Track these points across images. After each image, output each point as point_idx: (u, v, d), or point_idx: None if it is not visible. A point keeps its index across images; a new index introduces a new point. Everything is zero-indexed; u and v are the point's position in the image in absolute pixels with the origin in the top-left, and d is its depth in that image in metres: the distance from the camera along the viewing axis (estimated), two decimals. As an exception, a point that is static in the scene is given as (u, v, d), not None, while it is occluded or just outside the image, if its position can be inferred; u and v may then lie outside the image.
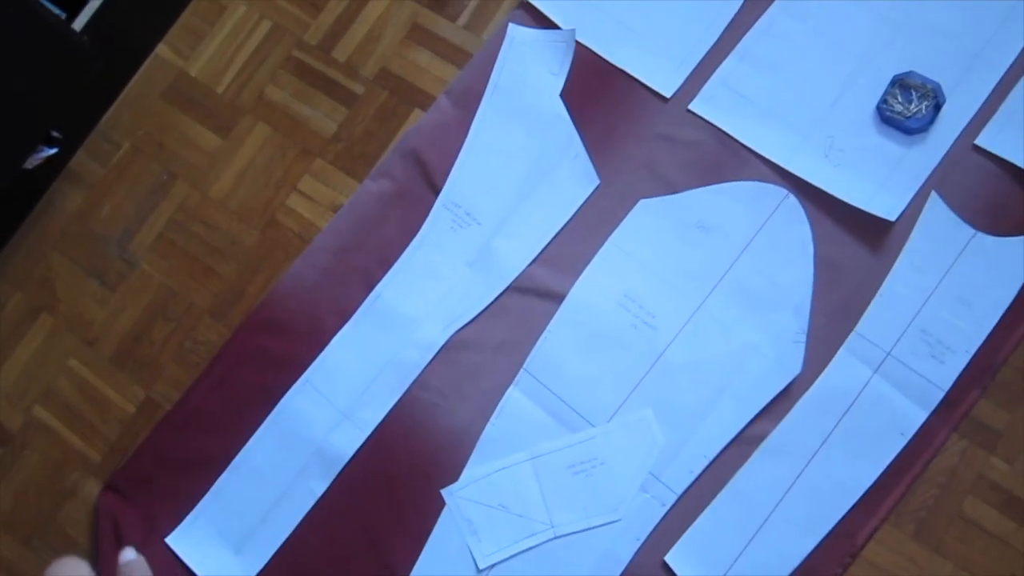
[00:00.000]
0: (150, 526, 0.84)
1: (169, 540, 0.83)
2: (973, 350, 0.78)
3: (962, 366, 0.78)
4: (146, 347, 0.88)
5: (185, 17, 0.95)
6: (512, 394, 0.81)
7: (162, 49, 0.95)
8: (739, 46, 0.86)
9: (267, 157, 0.90)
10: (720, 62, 0.86)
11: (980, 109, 0.83)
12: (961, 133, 0.82)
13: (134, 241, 0.90)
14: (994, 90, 0.83)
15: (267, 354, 0.85)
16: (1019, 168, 0.81)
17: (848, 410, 0.78)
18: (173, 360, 0.87)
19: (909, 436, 0.77)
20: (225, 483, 0.83)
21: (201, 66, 0.94)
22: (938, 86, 0.82)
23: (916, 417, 0.77)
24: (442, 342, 0.82)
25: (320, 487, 0.81)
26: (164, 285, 0.89)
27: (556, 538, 0.77)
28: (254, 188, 0.89)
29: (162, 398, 0.86)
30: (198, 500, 0.83)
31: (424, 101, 0.88)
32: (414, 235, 0.85)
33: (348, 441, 0.82)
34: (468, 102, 0.88)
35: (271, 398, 0.84)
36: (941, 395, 0.78)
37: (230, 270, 0.88)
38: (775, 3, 0.86)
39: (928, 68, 0.83)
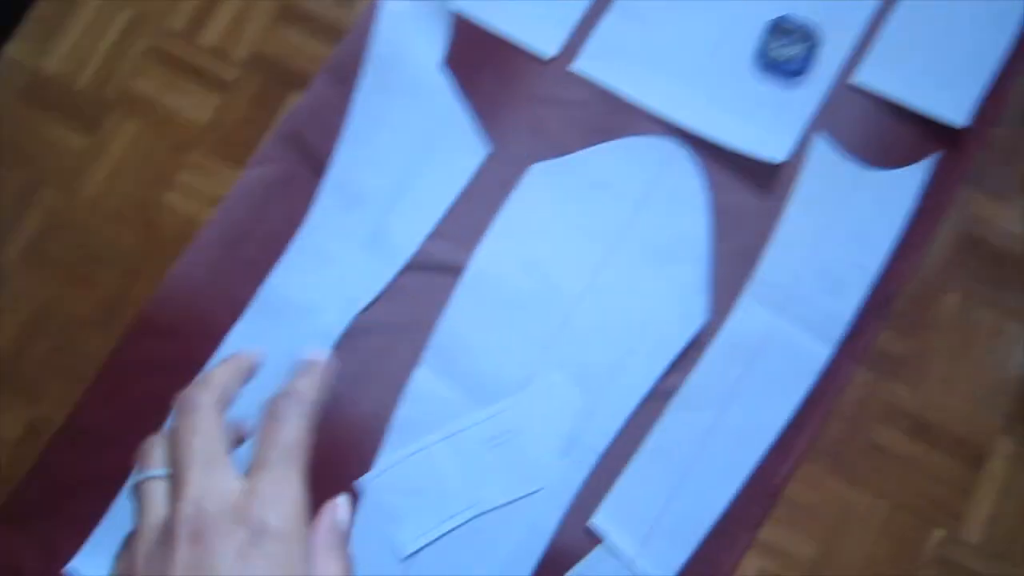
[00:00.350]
0: (50, 555, 0.78)
1: (71, 568, 0.78)
2: (870, 283, 0.79)
3: (861, 300, 0.79)
4: (27, 366, 0.82)
5: (35, 12, 0.89)
6: (419, 374, 0.79)
7: (12, 49, 0.89)
8: (617, 1, 0.85)
9: (139, 153, 0.85)
10: (600, 19, 0.85)
11: (856, 47, 0.84)
12: (840, 72, 0.84)
13: (2, 256, 0.84)
14: (868, 28, 0.84)
15: (157, 360, 0.80)
16: (896, 102, 0.82)
17: (755, 354, 0.78)
18: (57, 377, 0.82)
19: (816, 373, 0.78)
20: (125, 501, 0.78)
21: (58, 63, 0.88)
22: (814, 27, 0.83)
23: (821, 354, 0.78)
24: (342, 329, 0.79)
25: (228, 492, 0.77)
26: (40, 298, 0.83)
27: (479, 515, 0.76)
28: (128, 187, 0.84)
29: (49, 419, 0.81)
30: (99, 521, 0.78)
31: (301, 82, 0.85)
32: (303, 221, 0.82)
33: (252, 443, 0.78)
34: (347, 79, 0.85)
35: (166, 405, 0.79)
36: (843, 330, 0.79)
37: (110, 276, 0.83)
38: (649, -44, 0.85)
39: (804, 10, 0.84)
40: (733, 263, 0.79)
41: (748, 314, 0.79)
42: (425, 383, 0.78)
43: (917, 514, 0.76)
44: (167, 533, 0.38)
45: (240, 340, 0.80)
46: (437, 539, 0.75)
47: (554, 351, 0.78)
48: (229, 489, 0.39)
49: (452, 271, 0.80)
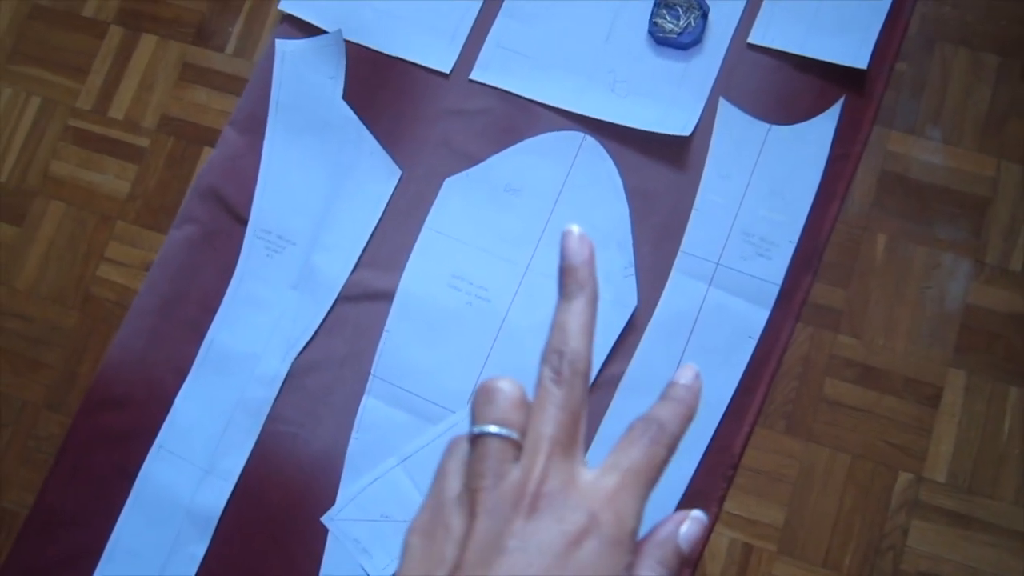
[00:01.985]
0: (38, 640, 0.79)
1: (60, 648, 0.78)
2: (795, 239, 0.79)
3: (789, 257, 0.79)
4: (-12, 459, 0.84)
5: (-50, 115, 0.91)
6: (367, 403, 0.79)
7: (-67, 153, 0.91)
8: (504, 5, 0.86)
9: (67, 234, 0.86)
10: (490, 26, 0.85)
11: (745, 9, 0.84)
12: (734, 36, 0.84)
13: (-50, 355, 0.86)
14: (753, -13, 0.84)
15: (113, 431, 0.82)
16: (795, 55, 0.82)
17: (693, 328, 0.78)
18: (20, 464, 0.83)
19: (757, 337, 0.78)
20: (103, 574, 0.79)
21: (-22, 160, 0.90)
22: (700, -3, 0.83)
23: (759, 317, 0.78)
24: (285, 371, 0.80)
25: (200, 550, 0.78)
26: (-7, 391, 0.85)
27: (445, 533, 0.75)
28: (61, 268, 0.85)
29: (18, 506, 0.82)
30: (80, 600, 0.79)
31: (212, 138, 0.86)
32: (232, 273, 0.83)
33: (216, 495, 0.79)
34: (254, 127, 0.86)
35: (128, 474, 0.81)
36: (776, 289, 0.78)
37: (56, 357, 0.84)
38: (529, -44, 0.86)
39: (687, -18, 0.84)
40: (658, 242, 0.79)
41: (680, 290, 0.79)
42: (374, 410, 0.79)
43: (880, 461, 0.76)
44: (512, 496, 0.37)
45: (188, 399, 0.81)
46: (408, 563, 0.75)
47: (494, 359, 0.78)
48: (576, 476, 0.38)
49: (383, 297, 0.81)
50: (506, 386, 0.42)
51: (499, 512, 0.38)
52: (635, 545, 0.38)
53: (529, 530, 0.37)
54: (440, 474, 0.42)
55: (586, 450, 0.70)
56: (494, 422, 0.40)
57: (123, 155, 0.86)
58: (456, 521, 0.39)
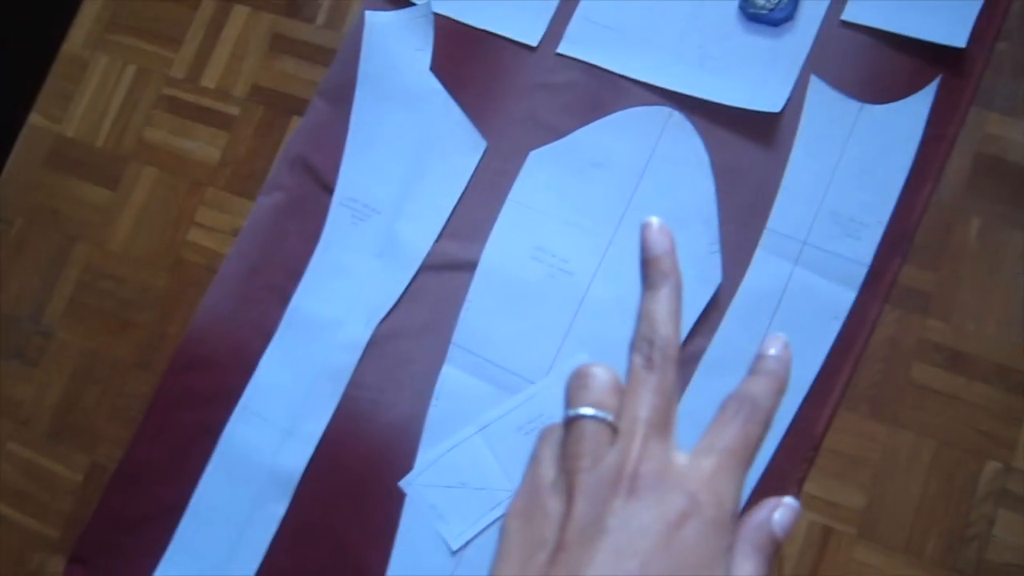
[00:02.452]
0: (122, 590, 0.82)
1: (143, 600, 0.81)
2: (885, 220, 0.78)
3: (878, 238, 0.78)
4: (80, 414, 0.86)
5: (50, 81, 0.94)
6: (447, 372, 0.80)
7: (34, 118, 0.94)
8: (593, -20, 0.85)
9: (159, 198, 0.88)
10: (578, 1, 0.85)
11: (839, -15, 0.83)
12: (827, 12, 0.82)
13: (46, 313, 0.89)
14: (849, -36, 0.83)
15: (199, 392, 0.84)
16: (890, 33, 0.80)
17: (778, 307, 0.77)
18: (110, 420, 0.85)
19: (843, 318, 0.77)
20: (186, 529, 0.82)
21: (76, 125, 0.93)
22: (793, -28, 0.82)
23: (846, 298, 0.77)
24: (367, 338, 0.81)
25: (280, 509, 0.80)
26: (85, 348, 0.88)
27: (521, 502, 0.76)
28: (153, 232, 0.88)
29: (108, 460, 0.85)
30: (163, 553, 0.82)
31: (300, 107, 0.88)
32: (318, 240, 0.84)
33: (297, 457, 0.81)
34: (342, 98, 0.87)
35: (213, 434, 0.83)
36: (865, 271, 0.77)
37: (147, 318, 0.86)
38: (619, -69, 0.86)
39: (780, -42, 0.83)
40: (743, 219, 0.79)
41: (765, 268, 0.78)
42: (454, 379, 0.80)
43: (966, 449, 0.74)
44: (611, 478, 0.38)
45: (272, 363, 0.83)
46: (483, 530, 0.76)
47: (575, 332, 0.78)
48: (672, 458, 0.39)
49: (466, 267, 0.81)
50: (600, 371, 0.42)
51: (598, 494, 0.38)
52: (735, 527, 0.38)
53: (629, 511, 0.37)
54: (534, 461, 0.42)
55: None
56: (590, 404, 0.40)
57: (214, 123, 0.88)
58: (554, 504, 0.39)
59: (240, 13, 0.91)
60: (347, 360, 0.81)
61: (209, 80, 0.90)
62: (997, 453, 0.74)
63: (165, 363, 0.85)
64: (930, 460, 0.75)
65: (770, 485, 0.74)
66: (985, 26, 0.79)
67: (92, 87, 0.93)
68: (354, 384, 0.81)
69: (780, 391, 0.43)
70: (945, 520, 0.74)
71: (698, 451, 0.40)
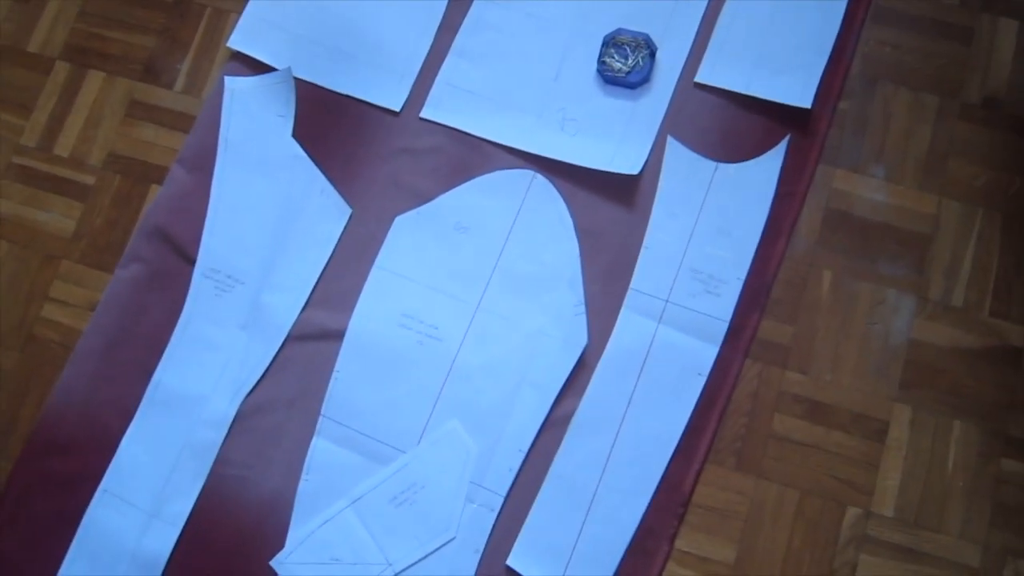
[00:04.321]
0: None
1: None
2: (743, 276, 0.80)
3: (737, 294, 0.80)
4: (-75, 506, 0.81)
5: None
6: (317, 444, 0.78)
7: None
8: (454, 45, 0.86)
9: (10, 273, 0.84)
10: (440, 64, 0.86)
11: (692, 49, 0.85)
12: (680, 75, 0.85)
13: None
14: (700, 29, 0.86)
15: (57, 476, 0.80)
16: (741, 95, 0.83)
17: (643, 365, 0.79)
18: (-41, 511, 0.80)
19: (707, 373, 0.78)
20: (45, 624, 0.77)
21: (-82, 198, 0.88)
22: (648, 37, 0.84)
23: (708, 354, 0.79)
24: (233, 413, 0.79)
25: (145, 597, 0.76)
26: (-70, 436, 0.82)
27: (397, 575, 0.75)
28: (3, 308, 0.84)
29: (-44, 554, 0.79)
30: (21, 651, 0.77)
31: (159, 175, 0.85)
32: (180, 313, 0.82)
33: (162, 540, 0.77)
34: (203, 165, 0.85)
35: (72, 521, 0.79)
36: (725, 327, 0.79)
37: (-2, 400, 0.82)
38: (479, -4, 0.87)
39: (635, 22, 0.85)
40: (607, 280, 0.80)
41: (630, 327, 0.79)
42: (324, 452, 0.78)
43: (828, 497, 0.76)
44: None
45: (134, 443, 0.80)
46: (358, 607, 0.75)
47: (445, 398, 0.78)
48: None
49: (333, 336, 0.80)
50: None
51: None
52: None
53: None
54: None
55: (537, 491, 0.70)
56: None
57: (69, 193, 0.85)
58: None
59: (95, 78, 0.88)
60: (213, 437, 0.79)
61: (63, 148, 0.87)
62: (856, 499, 0.77)
63: (18, 448, 0.81)
64: (795, 510, 0.77)
65: (642, 544, 0.75)
66: (828, 87, 0.83)
67: (-64, 157, 0.88)
68: (221, 461, 0.78)
69: None
70: (811, 568, 0.76)
71: None
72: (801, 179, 0.82)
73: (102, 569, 0.78)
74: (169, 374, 0.81)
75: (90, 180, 0.86)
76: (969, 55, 0.85)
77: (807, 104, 0.82)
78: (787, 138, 0.82)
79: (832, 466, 0.77)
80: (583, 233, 0.81)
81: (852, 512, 0.76)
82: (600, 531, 0.75)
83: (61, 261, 0.85)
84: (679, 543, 0.76)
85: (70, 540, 0.79)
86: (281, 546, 0.77)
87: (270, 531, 0.77)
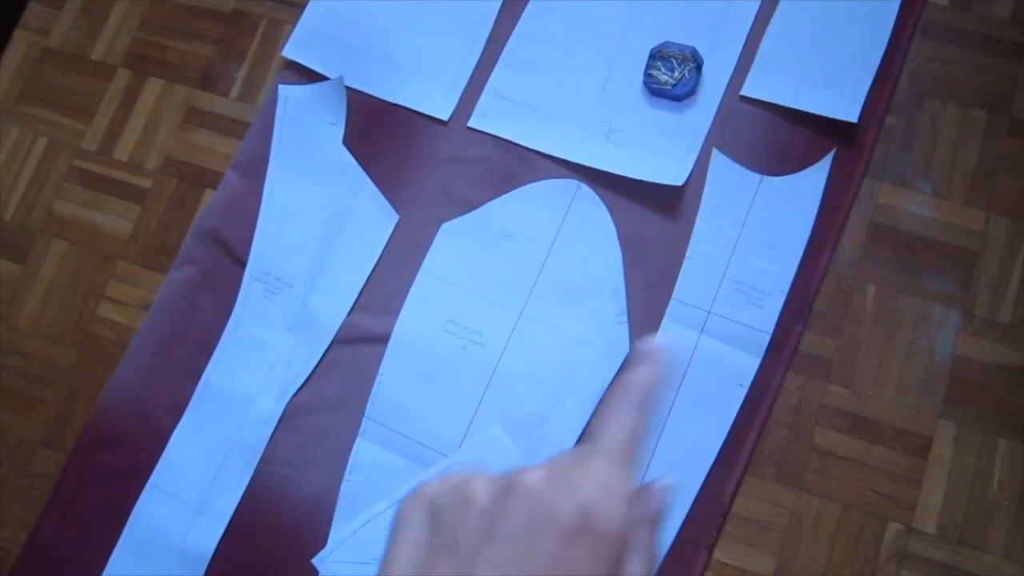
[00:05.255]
0: None
1: None
2: (786, 288, 0.80)
3: (780, 306, 0.80)
4: (-17, 495, 0.84)
5: (-42, 154, 0.93)
6: (360, 446, 0.80)
7: (-60, 191, 0.92)
8: (503, 56, 0.87)
9: (68, 272, 0.87)
10: (489, 75, 0.87)
11: (738, 62, 0.86)
12: (727, 88, 0.85)
13: (-51, 391, 0.87)
14: (746, 42, 0.86)
15: (108, 470, 0.82)
16: (786, 108, 0.84)
17: (684, 376, 0.79)
18: (15, 501, 0.83)
19: (748, 385, 0.78)
20: (94, 613, 0.79)
21: (-16, 199, 0.91)
22: (694, 50, 0.85)
23: (750, 365, 0.79)
24: (279, 413, 0.81)
25: (190, 591, 0.78)
26: (-10, 428, 0.85)
27: (435, 577, 0.76)
28: (62, 306, 0.87)
29: (11, 543, 0.82)
30: (70, 639, 0.79)
31: (214, 180, 0.88)
32: (230, 314, 0.84)
33: (208, 536, 0.79)
34: (256, 171, 0.87)
35: (122, 514, 0.81)
36: (767, 338, 0.79)
37: (54, 395, 0.85)
38: (528, 7, 0.88)
39: (682, 35, 0.86)
40: (650, 290, 0.80)
41: (672, 337, 0.79)
42: (367, 453, 0.79)
43: (870, 512, 0.76)
44: (506, 485, 0.37)
45: (183, 439, 0.82)
46: (397, 607, 0.76)
47: (487, 404, 0.79)
48: (559, 464, 0.37)
49: (378, 340, 0.82)
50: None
51: (495, 502, 0.37)
52: (625, 530, 0.37)
53: (521, 518, 0.36)
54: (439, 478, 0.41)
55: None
56: None
57: (126, 196, 0.88)
58: (454, 505, 0.38)
59: (154, 86, 0.91)
60: (259, 435, 0.81)
61: (121, 153, 0.90)
62: (898, 515, 0.76)
63: (72, 441, 0.83)
64: (835, 524, 0.76)
65: (680, 554, 0.75)
66: (875, 101, 0.83)
67: (1, 159, 0.92)
68: (266, 459, 0.80)
69: (660, 378, 0.41)
70: (851, 583, 0.76)
71: (585, 453, 0.39)
72: (846, 193, 0.82)
73: (149, 562, 0.80)
74: (218, 373, 0.83)
75: (147, 184, 0.89)
76: (1019, 71, 0.85)
77: (853, 118, 0.82)
78: (833, 152, 0.82)
79: (874, 481, 0.77)
80: (626, 243, 0.82)
81: (893, 528, 0.76)
82: (638, 539, 0.75)
83: (117, 262, 0.87)
84: (718, 554, 0.76)
85: (119, 533, 0.81)
86: (323, 545, 0.78)
87: (312, 529, 0.79)
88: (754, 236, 0.81)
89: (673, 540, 0.75)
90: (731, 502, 0.77)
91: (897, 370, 0.77)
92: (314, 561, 0.77)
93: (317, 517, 0.79)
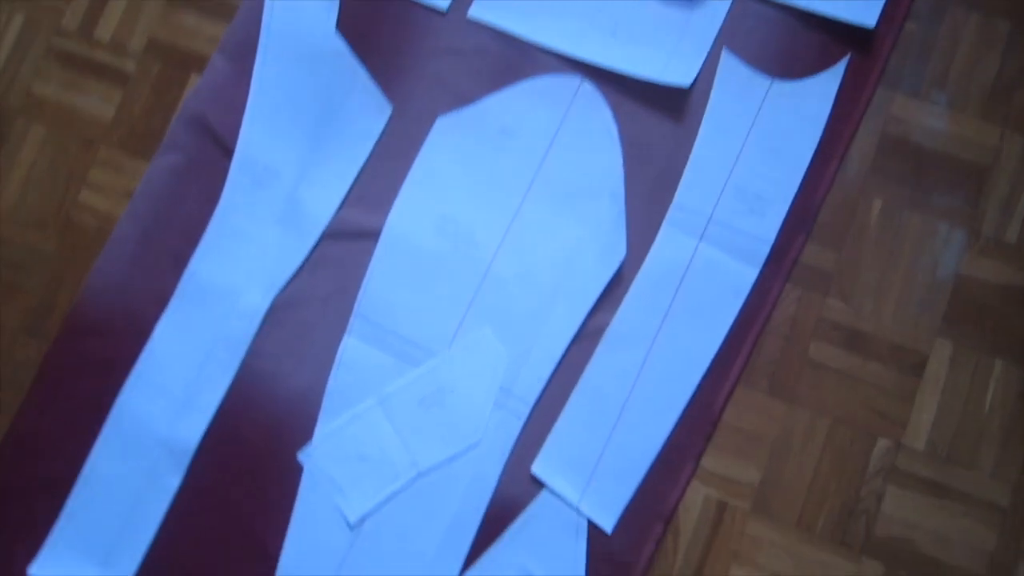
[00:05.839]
0: (9, 561, 0.79)
1: (32, 570, 0.78)
2: (790, 197, 0.78)
3: (783, 216, 0.78)
4: (-36, 381, 0.83)
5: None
6: (348, 342, 0.78)
7: (-87, 66, 0.88)
8: (507, -58, 0.83)
9: (49, 157, 0.84)
10: (491, -38, 0.83)
11: (755, -42, 0.82)
12: (741, -14, 0.81)
13: (-73, 274, 0.84)
14: (764, -64, 0.82)
15: (91, 359, 0.81)
16: (801, 10, 0.80)
17: (681, 283, 0.77)
18: (-5, 389, 0.82)
19: (745, 295, 0.77)
20: (77, 500, 0.79)
21: (-41, 77, 0.87)
22: (709, -57, 0.80)
23: (748, 275, 0.77)
24: (266, 307, 0.79)
25: (175, 481, 0.78)
26: (-31, 313, 0.83)
27: (421, 475, 0.75)
28: (42, 192, 0.84)
29: (-7, 429, 0.81)
30: (54, 523, 0.79)
31: (200, 64, 0.84)
32: (216, 204, 0.81)
33: (193, 428, 0.78)
34: (244, 55, 0.83)
35: (105, 404, 0.80)
36: (768, 248, 0.77)
37: (35, 282, 0.83)
38: None
39: (697, -73, 0.81)
40: (650, 194, 0.78)
41: (670, 243, 0.77)
42: (354, 350, 0.78)
43: (860, 427, 0.75)
44: None
45: (167, 331, 0.80)
46: (382, 503, 0.75)
47: (478, 304, 0.77)
48: None
49: (369, 236, 0.79)
50: None
51: None
52: None
53: None
54: None
55: (565, 402, 0.70)
56: None
57: (108, 78, 0.84)
58: None
59: (138, -39, 0.86)
60: (245, 329, 0.79)
61: (103, 32, 0.86)
62: (889, 431, 0.76)
63: (55, 329, 0.82)
64: (824, 438, 0.76)
65: (668, 459, 0.75)
66: (894, 7, 0.79)
67: (-23, 35, 0.88)
68: (252, 354, 0.79)
69: None
70: (836, 496, 0.75)
71: None
72: (858, 101, 0.79)
73: (133, 454, 0.79)
74: (204, 265, 0.81)
75: (130, 66, 0.85)
76: (1048, -22, 0.81)
77: (871, 23, 0.78)
78: (847, 58, 0.79)
79: (866, 396, 0.76)
80: (628, 144, 0.79)
81: (882, 443, 0.75)
82: (626, 445, 0.75)
83: (99, 146, 0.84)
84: (705, 462, 0.76)
85: (103, 422, 0.80)
86: (308, 439, 0.77)
87: (298, 425, 0.78)
88: (761, 142, 0.79)
89: (661, 447, 0.75)
90: (721, 412, 0.76)
91: (898, 286, 0.76)
92: (300, 456, 0.77)
93: (303, 412, 0.78)
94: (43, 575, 0.79)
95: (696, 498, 0.75)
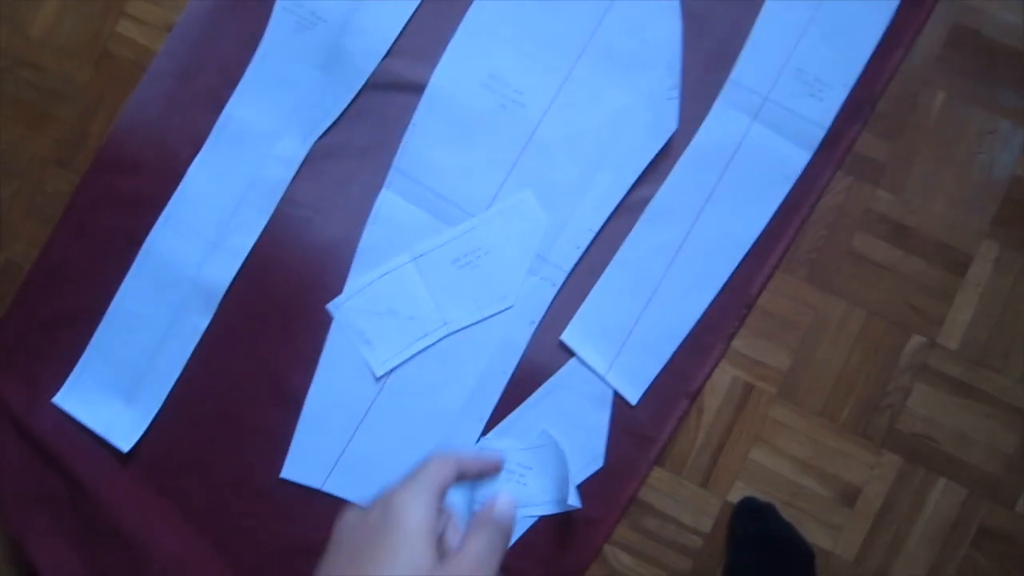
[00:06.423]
0: (34, 390, 0.80)
1: (56, 400, 0.79)
2: (851, 83, 0.75)
3: (841, 101, 0.75)
4: (-5, 207, 0.82)
5: None
6: (385, 196, 0.77)
7: None
8: None
9: (87, -17, 0.81)
10: None
11: None
12: None
13: (-42, 97, 0.83)
14: None
15: (123, 194, 0.79)
16: None
17: (730, 161, 0.75)
18: (26, 217, 0.81)
19: (794, 179, 0.75)
20: (104, 333, 0.79)
21: None
22: None
23: (799, 159, 0.75)
24: (304, 153, 0.77)
25: (203, 322, 0.78)
26: (2, 142, 0.82)
27: (450, 335, 0.75)
28: (78, 19, 0.81)
29: (22, 258, 0.81)
30: (79, 356, 0.79)
31: None
32: (257, 45, 0.79)
33: (223, 270, 0.78)
34: None
35: (135, 239, 0.79)
36: (822, 133, 0.75)
37: (69, 112, 0.81)
38: None
39: None
40: (707, 67, 0.75)
41: (722, 120, 0.75)
42: (391, 204, 0.77)
43: (895, 321, 0.75)
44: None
45: (202, 170, 0.79)
46: (410, 359, 0.75)
47: (521, 167, 0.76)
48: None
49: (414, 89, 0.77)
50: None
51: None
52: None
53: None
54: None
55: (601, 273, 0.69)
56: None
57: (151, -98, 0.80)
58: None
59: None
60: (281, 174, 0.78)
61: None
62: (924, 328, 0.75)
63: (87, 162, 0.80)
64: (859, 329, 0.75)
65: (699, 338, 0.74)
66: None
67: None
68: (287, 200, 0.78)
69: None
70: (863, 388, 0.75)
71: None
72: (933, -14, 0.75)
73: (162, 289, 0.79)
74: (242, 107, 0.79)
75: None
76: None
77: (957, -97, 0.74)
78: (926, -61, 0.75)
79: (905, 292, 0.75)
80: (689, 14, 0.76)
81: (916, 340, 0.75)
82: (658, 320, 0.75)
83: (140, -24, 0.81)
84: (736, 344, 0.75)
85: (132, 258, 0.80)
86: (339, 292, 0.77)
87: (329, 276, 0.77)
88: (826, 22, 0.75)
89: (692, 328, 0.74)
90: (758, 295, 0.75)
91: (951, 182, 0.74)
92: (329, 306, 0.76)
93: (334, 264, 0.77)
94: (67, 406, 0.79)
95: (724, 378, 0.75)
